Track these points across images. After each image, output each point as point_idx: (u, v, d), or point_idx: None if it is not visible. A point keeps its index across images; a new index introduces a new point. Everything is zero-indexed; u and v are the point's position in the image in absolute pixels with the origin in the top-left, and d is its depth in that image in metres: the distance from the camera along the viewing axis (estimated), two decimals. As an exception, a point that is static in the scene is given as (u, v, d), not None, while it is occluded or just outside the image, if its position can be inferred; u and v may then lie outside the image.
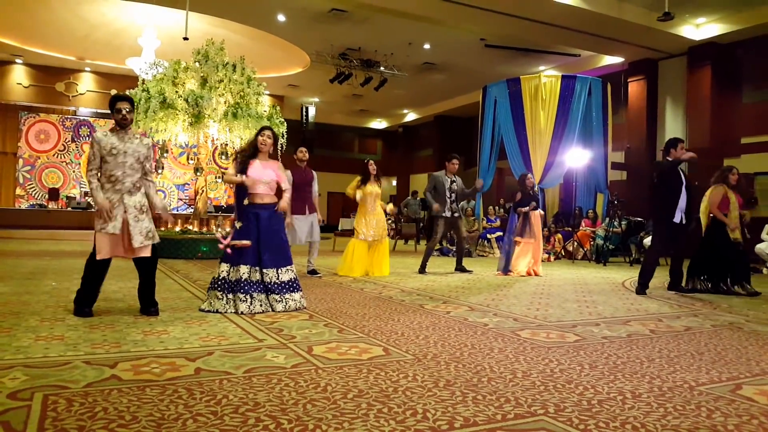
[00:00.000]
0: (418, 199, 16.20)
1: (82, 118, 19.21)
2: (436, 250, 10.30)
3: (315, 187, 7.11)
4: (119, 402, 2.21)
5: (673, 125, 13.39)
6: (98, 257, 3.92)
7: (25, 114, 18.62)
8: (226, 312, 4.21)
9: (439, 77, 16.89)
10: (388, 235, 13.01)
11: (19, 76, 17.14)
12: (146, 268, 4.10)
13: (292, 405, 2.23)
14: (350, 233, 7.66)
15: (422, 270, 7.77)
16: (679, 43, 12.62)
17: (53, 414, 2.06)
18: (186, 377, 2.59)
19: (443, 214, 7.77)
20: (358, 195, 7.25)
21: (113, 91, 14.49)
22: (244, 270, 4.36)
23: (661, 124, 13.73)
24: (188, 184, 19.96)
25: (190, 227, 9.86)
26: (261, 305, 4.34)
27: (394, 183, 24.55)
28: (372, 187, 7.23)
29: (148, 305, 4.10)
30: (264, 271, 4.42)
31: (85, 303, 4.01)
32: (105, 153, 3.93)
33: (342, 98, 19.78)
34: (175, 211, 18.34)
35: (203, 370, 2.72)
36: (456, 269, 8.08)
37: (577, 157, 11.41)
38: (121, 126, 4.03)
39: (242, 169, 4.52)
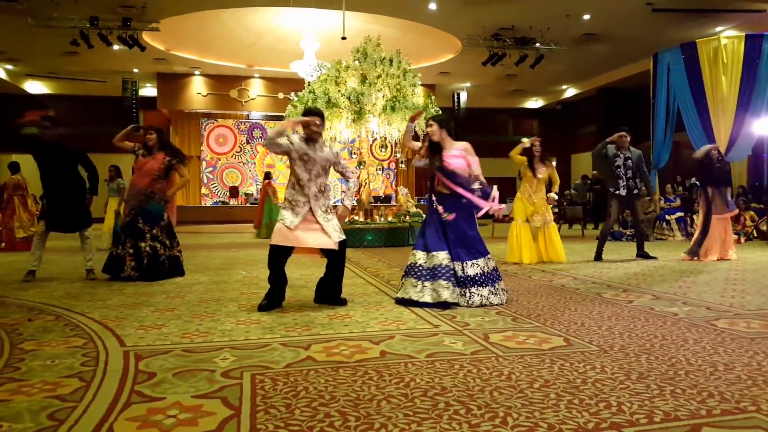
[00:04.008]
0: (588, 182, 15.36)
1: (254, 121, 21.06)
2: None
3: None
4: (317, 382, 2.39)
5: None
6: (271, 242, 4.10)
7: (205, 120, 20.85)
8: (420, 300, 4.03)
9: (600, 48, 15.82)
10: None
11: (198, 86, 19.21)
12: (337, 261, 4.22)
13: (478, 391, 2.25)
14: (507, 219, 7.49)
15: (598, 257, 7.18)
16: None
17: (262, 392, 2.27)
18: (373, 359, 2.73)
19: (617, 192, 7.19)
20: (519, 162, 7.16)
21: (280, 95, 15.55)
22: (442, 256, 4.14)
23: None
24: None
25: (356, 218, 10.35)
26: (454, 295, 4.07)
27: (554, 164, 23.51)
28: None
29: (336, 298, 4.23)
30: (454, 263, 4.20)
31: (269, 296, 4.11)
32: (296, 156, 4.10)
33: (494, 80, 19.38)
34: (338, 203, 19.40)
35: (388, 353, 2.85)
36: (637, 255, 7.29)
37: (768, 126, 10.03)
38: (312, 140, 4.15)
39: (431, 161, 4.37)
